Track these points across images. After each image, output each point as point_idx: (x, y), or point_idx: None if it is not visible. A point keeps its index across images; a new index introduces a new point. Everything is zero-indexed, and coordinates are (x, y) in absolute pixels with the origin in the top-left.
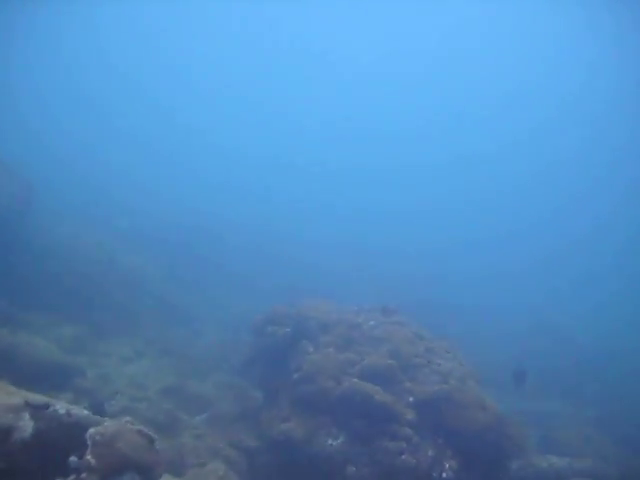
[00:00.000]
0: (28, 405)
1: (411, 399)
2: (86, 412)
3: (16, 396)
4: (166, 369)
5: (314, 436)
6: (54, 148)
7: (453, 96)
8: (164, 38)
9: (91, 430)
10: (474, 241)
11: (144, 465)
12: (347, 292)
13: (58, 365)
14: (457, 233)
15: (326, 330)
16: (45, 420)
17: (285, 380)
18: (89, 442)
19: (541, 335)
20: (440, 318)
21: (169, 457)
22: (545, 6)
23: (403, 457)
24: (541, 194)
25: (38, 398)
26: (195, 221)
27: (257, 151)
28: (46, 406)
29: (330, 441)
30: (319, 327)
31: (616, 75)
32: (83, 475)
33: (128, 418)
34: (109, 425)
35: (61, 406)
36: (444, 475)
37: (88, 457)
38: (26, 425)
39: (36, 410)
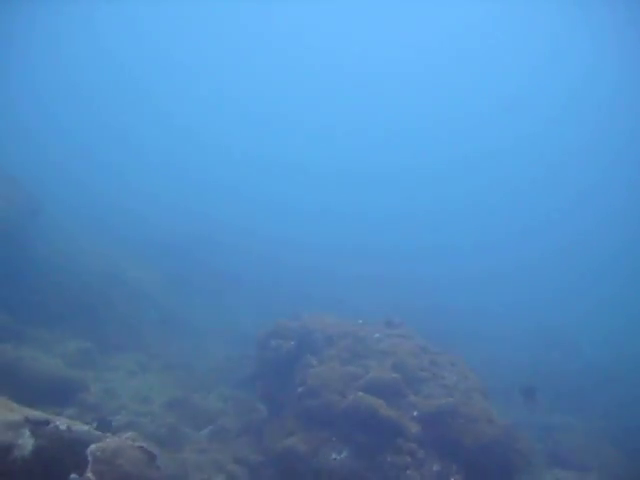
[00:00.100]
0: (28, 422)
1: (416, 413)
2: (87, 428)
3: (17, 413)
4: (171, 383)
5: (318, 450)
6: (56, 156)
7: (453, 96)
8: (166, 39)
9: (92, 446)
10: (474, 244)
11: None
12: (353, 296)
13: (63, 380)
14: (457, 235)
15: (330, 343)
16: (45, 437)
17: (289, 394)
18: (90, 458)
19: (547, 344)
20: (444, 324)
21: (172, 472)
22: (545, 6)
23: (408, 472)
24: (541, 195)
25: (39, 414)
26: (201, 229)
27: (266, 154)
28: (47, 422)
29: (334, 455)
30: (323, 340)
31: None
32: None
33: (129, 434)
34: (110, 441)
35: (62, 422)
36: None
37: (89, 474)
38: (26, 442)
39: (36, 427)
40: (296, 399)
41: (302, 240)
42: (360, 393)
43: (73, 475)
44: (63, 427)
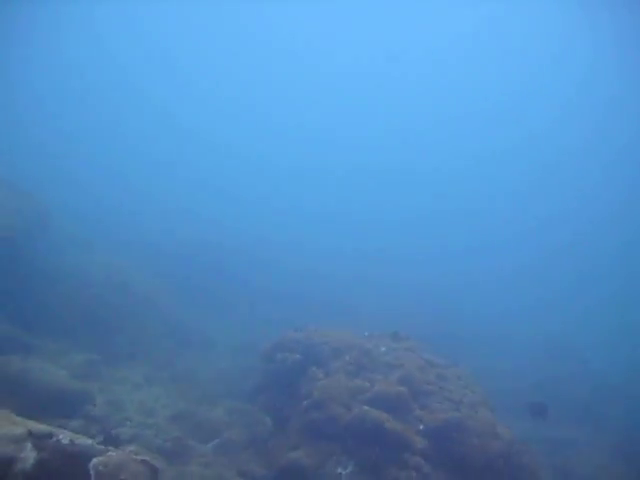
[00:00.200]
0: (31, 435)
1: (421, 427)
2: (90, 441)
3: (20, 426)
4: (176, 395)
5: (323, 464)
6: (58, 159)
7: (453, 96)
8: (166, 39)
9: (94, 460)
10: (474, 247)
11: None
12: (362, 303)
13: (69, 391)
14: (457, 238)
15: (336, 356)
16: (48, 450)
17: (295, 407)
18: (92, 472)
19: (552, 355)
20: (448, 329)
21: None
22: (545, 6)
23: None
24: (540, 195)
25: (42, 428)
26: (211, 239)
27: (266, 155)
28: (49, 436)
29: (339, 470)
30: (329, 352)
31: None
32: None
33: (132, 447)
34: (113, 455)
35: (64, 435)
36: None
37: None
38: (28, 456)
39: (39, 440)
40: (302, 412)
41: (313, 246)
42: (365, 407)
43: None
44: (66, 441)
